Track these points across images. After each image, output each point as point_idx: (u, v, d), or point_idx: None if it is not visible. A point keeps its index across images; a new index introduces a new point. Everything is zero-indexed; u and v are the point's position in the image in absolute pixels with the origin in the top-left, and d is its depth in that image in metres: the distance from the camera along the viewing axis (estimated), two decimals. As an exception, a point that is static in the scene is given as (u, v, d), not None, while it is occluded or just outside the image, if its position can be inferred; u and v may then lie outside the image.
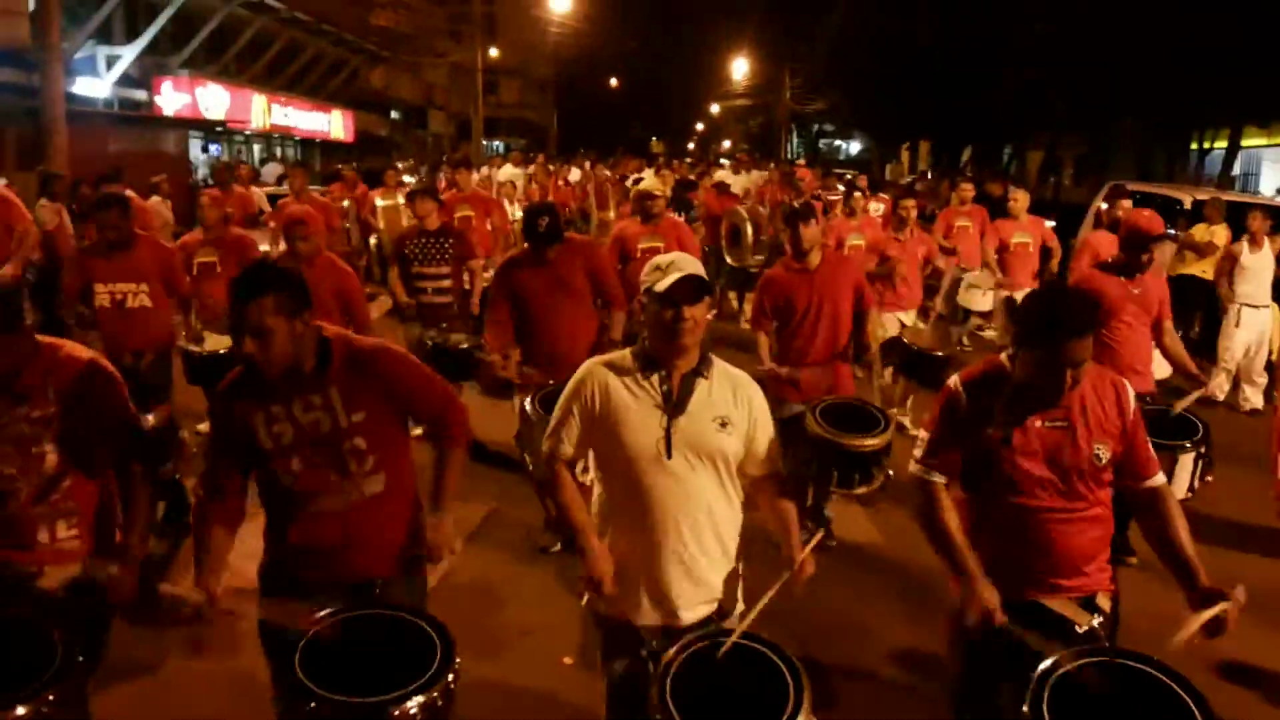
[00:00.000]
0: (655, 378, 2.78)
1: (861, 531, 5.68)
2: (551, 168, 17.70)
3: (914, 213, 7.95)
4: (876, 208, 11.57)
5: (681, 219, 8.95)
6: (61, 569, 2.96)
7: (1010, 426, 2.78)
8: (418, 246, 6.85)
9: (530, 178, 14.90)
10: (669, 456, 2.73)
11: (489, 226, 9.87)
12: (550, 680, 4.17)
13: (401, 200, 10.72)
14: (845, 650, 4.38)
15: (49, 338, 3.01)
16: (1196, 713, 2.32)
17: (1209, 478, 4.50)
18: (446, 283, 6.86)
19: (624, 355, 2.87)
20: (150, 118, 22.56)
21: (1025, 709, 2.36)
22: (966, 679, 3.00)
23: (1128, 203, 6.68)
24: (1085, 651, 2.54)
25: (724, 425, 2.78)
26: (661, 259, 2.79)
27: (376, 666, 2.48)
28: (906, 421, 7.40)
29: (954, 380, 2.95)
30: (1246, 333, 8.58)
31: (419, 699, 2.39)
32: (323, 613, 2.61)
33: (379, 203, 12.01)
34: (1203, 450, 4.41)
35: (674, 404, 2.75)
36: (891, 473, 4.67)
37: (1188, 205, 12.06)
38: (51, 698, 2.39)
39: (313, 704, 2.36)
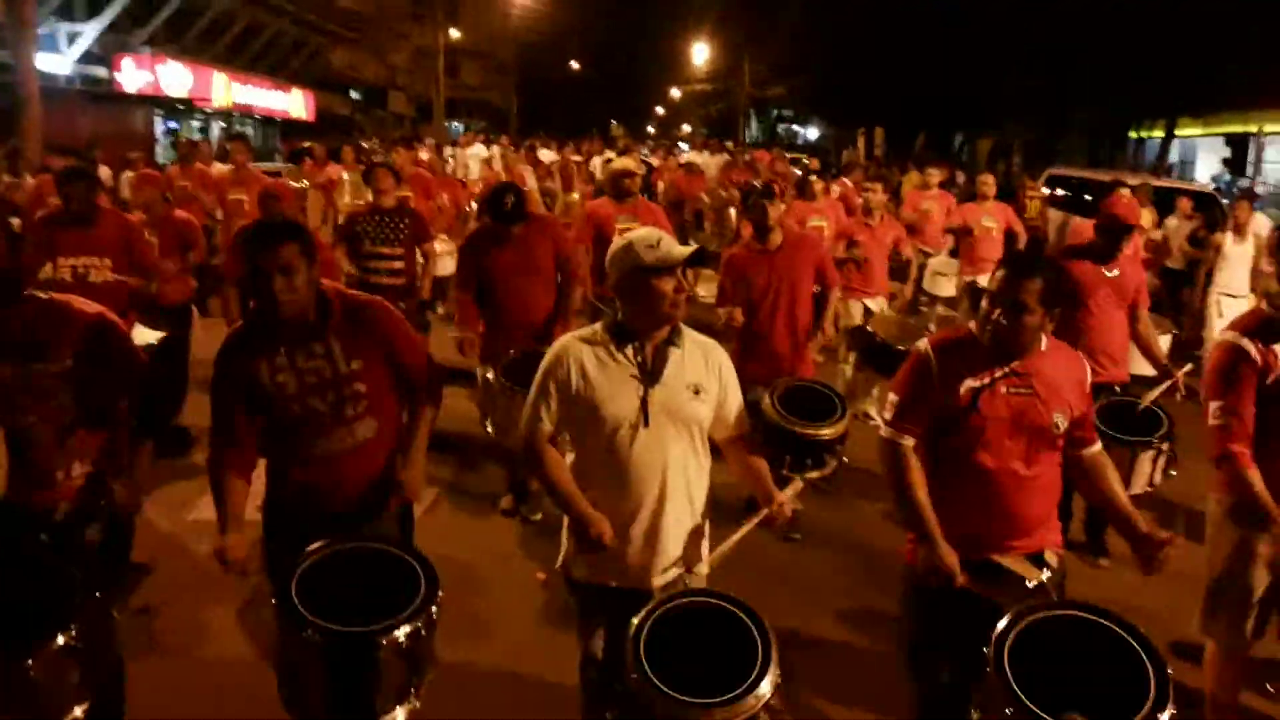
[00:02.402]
0: (630, 349, 2.85)
1: (809, 504, 5.60)
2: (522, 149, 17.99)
3: (878, 198, 7.82)
4: (836, 190, 11.59)
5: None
6: (75, 505, 3.17)
7: (978, 391, 2.86)
8: (371, 225, 6.59)
9: (504, 159, 15.13)
10: (646, 425, 2.82)
11: (437, 207, 9.86)
12: (519, 637, 4.35)
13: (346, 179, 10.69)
14: (796, 615, 4.41)
15: (59, 295, 3.19)
16: (1145, 658, 2.43)
17: (1173, 471, 4.47)
18: (399, 264, 6.62)
19: (595, 330, 2.93)
20: (116, 95, 22.44)
21: (989, 669, 2.44)
22: (920, 636, 3.11)
23: (1125, 191, 6.89)
24: (1039, 606, 2.61)
25: (697, 392, 2.88)
26: (647, 234, 2.86)
27: (366, 597, 2.62)
28: (871, 410, 7.30)
29: (923, 343, 3.03)
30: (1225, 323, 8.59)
31: (405, 628, 2.55)
32: (315, 545, 2.76)
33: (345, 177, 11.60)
34: (1164, 448, 4.37)
35: (649, 374, 2.84)
36: (846, 459, 4.77)
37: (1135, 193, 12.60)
38: (77, 628, 2.56)
39: (308, 631, 2.53)
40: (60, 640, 2.54)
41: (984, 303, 2.90)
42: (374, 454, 3.08)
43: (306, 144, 14.38)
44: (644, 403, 2.81)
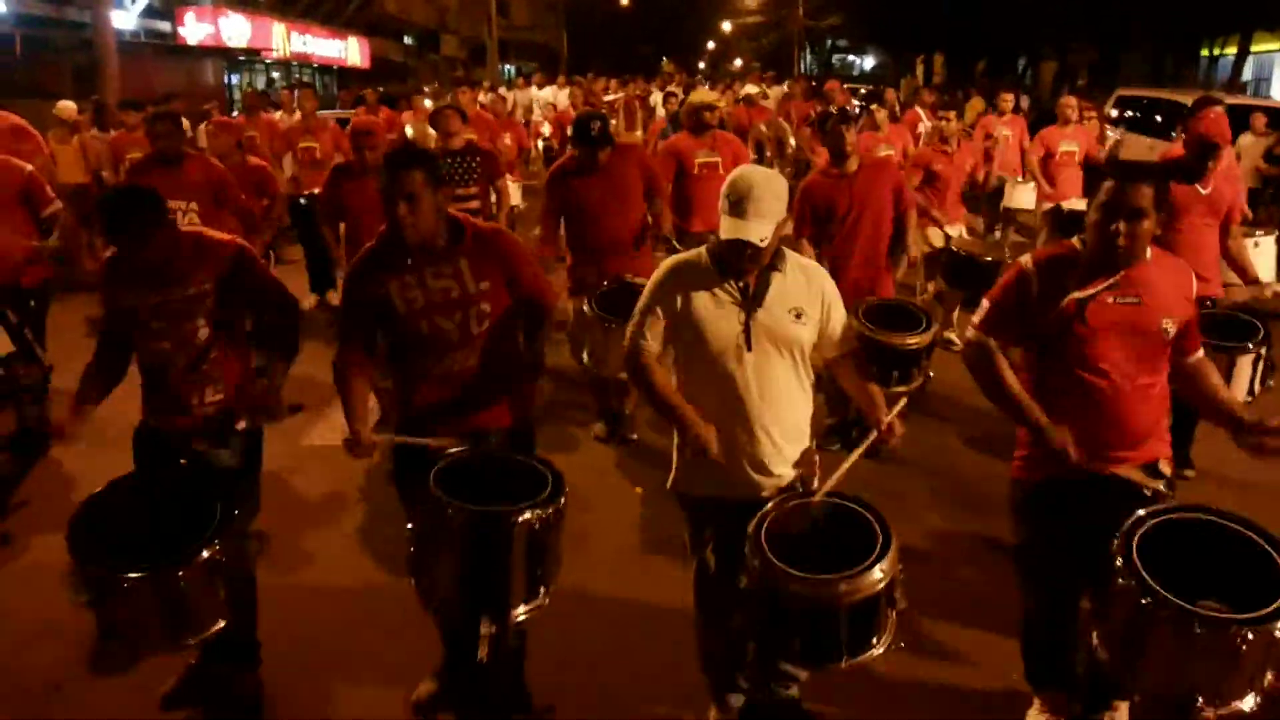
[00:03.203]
0: (731, 274, 2.88)
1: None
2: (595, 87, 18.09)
3: (953, 125, 7.69)
4: (926, 124, 10.96)
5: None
6: (211, 431, 3.34)
7: (1085, 302, 2.85)
8: (444, 166, 6.51)
9: (572, 97, 15.23)
10: (749, 349, 2.86)
11: (499, 149, 9.78)
12: (620, 554, 4.53)
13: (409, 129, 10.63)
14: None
15: (192, 227, 3.44)
16: (1273, 551, 2.45)
17: (1270, 382, 4.49)
18: (475, 204, 6.62)
19: (700, 254, 2.95)
20: (184, 48, 22.85)
21: (1118, 562, 2.47)
22: (1037, 541, 3.13)
23: (1217, 109, 6.68)
24: (1164, 509, 2.64)
25: (799, 316, 2.89)
26: (739, 187, 2.77)
27: (497, 498, 2.79)
28: (953, 336, 7.40)
29: (1026, 258, 3.01)
30: None
31: (536, 511, 2.73)
32: (453, 449, 2.98)
33: (409, 130, 11.56)
34: (1262, 352, 4.39)
35: (751, 299, 2.86)
36: (932, 374, 4.84)
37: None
38: (220, 544, 2.82)
39: (449, 511, 2.69)
40: (206, 554, 2.77)
41: (1094, 214, 2.84)
42: (498, 371, 3.20)
43: (365, 91, 14.56)
44: (746, 327, 2.85)
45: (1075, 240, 2.97)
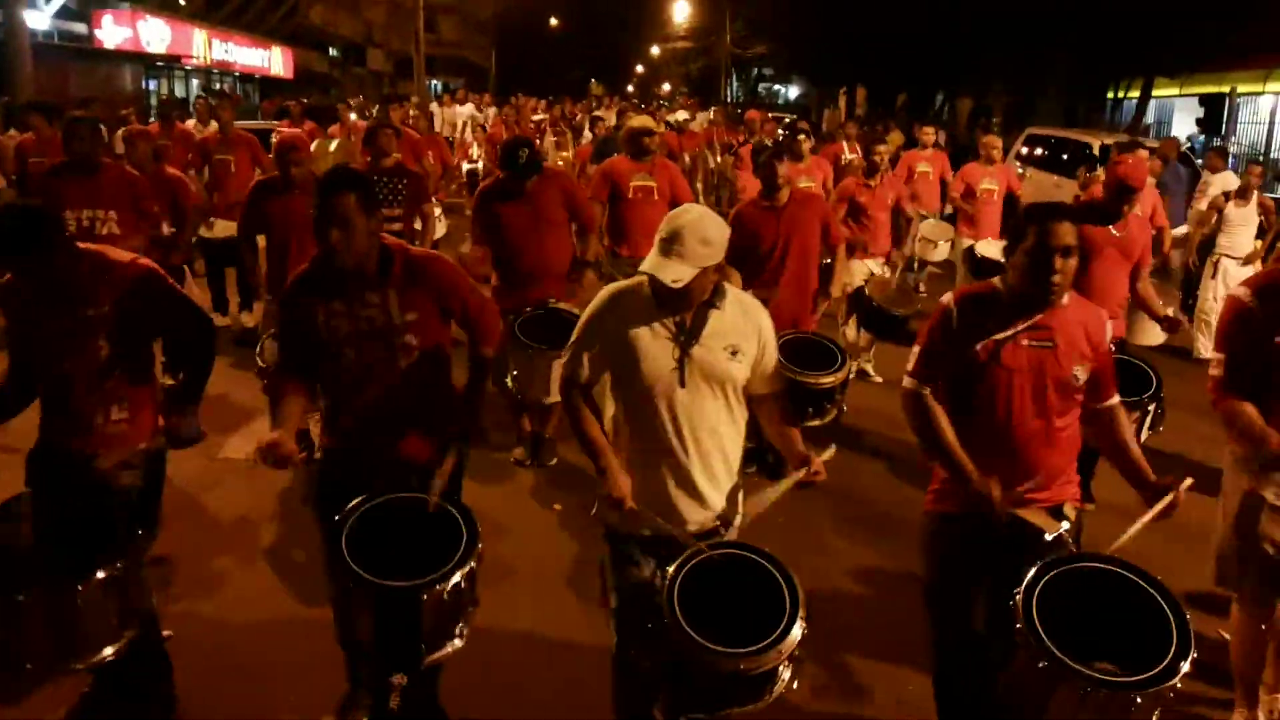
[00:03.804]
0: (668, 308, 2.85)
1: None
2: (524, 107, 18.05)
3: (886, 159, 7.78)
4: (848, 156, 10.95)
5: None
6: (114, 451, 3.27)
7: (1001, 343, 2.88)
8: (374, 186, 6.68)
9: (502, 116, 15.18)
10: (682, 385, 2.84)
11: (424, 167, 9.69)
12: (537, 579, 4.51)
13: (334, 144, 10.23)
14: (805, 566, 4.64)
15: (93, 245, 3.25)
16: (1166, 608, 2.54)
17: (1160, 428, 4.63)
18: (397, 225, 6.50)
19: (640, 283, 2.89)
20: (102, 52, 22.26)
21: (1018, 621, 2.54)
22: (940, 579, 3.16)
23: (1143, 153, 6.81)
24: (1062, 560, 2.70)
25: (735, 354, 2.87)
26: (672, 225, 2.75)
27: (414, 545, 2.78)
28: (869, 369, 7.57)
29: (948, 297, 3.04)
30: (1224, 287, 8.30)
31: (451, 580, 2.69)
32: (361, 499, 2.89)
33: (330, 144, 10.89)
34: (1150, 407, 4.48)
35: (688, 333, 2.84)
36: (845, 408, 4.93)
37: (1095, 150, 12.79)
38: (119, 565, 2.78)
39: (358, 584, 2.68)
40: (102, 574, 2.72)
41: (1020, 256, 2.86)
42: (423, 404, 3.15)
43: (289, 102, 14.31)
44: (680, 362, 2.83)
45: (996, 280, 3.00)
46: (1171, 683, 2.43)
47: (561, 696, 3.71)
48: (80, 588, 2.69)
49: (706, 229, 2.74)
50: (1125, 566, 2.66)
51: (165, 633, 3.52)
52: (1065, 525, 2.97)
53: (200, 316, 3.46)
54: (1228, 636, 3.74)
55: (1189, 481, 2.90)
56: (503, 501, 5.42)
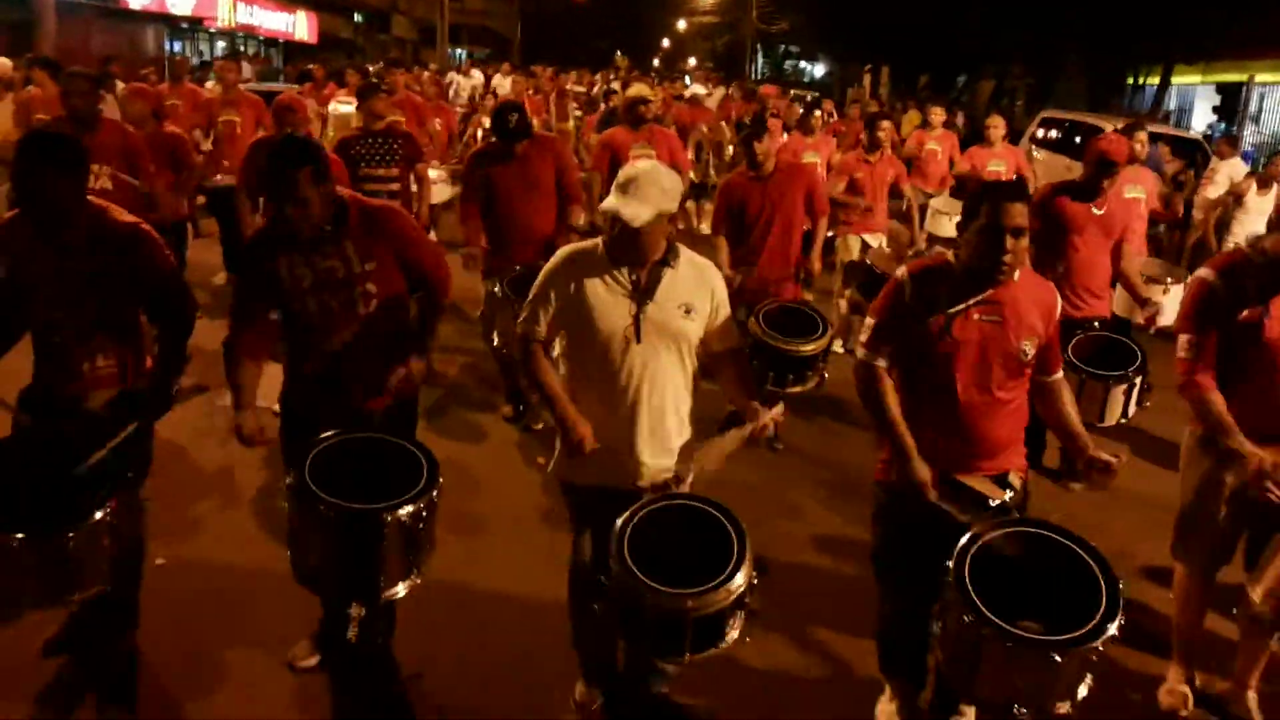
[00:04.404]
0: (625, 268, 2.97)
1: (797, 433, 5.98)
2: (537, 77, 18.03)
3: (888, 135, 7.82)
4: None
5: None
6: (101, 393, 3.33)
7: (952, 317, 2.96)
8: (365, 147, 6.68)
9: (515, 85, 15.12)
10: (638, 340, 2.96)
11: (429, 134, 9.83)
12: (513, 534, 4.64)
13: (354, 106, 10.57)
14: (772, 529, 4.60)
15: (98, 200, 3.30)
16: (1098, 572, 2.60)
17: (1146, 403, 4.68)
18: (395, 185, 6.70)
19: (595, 244, 3.03)
20: (125, 12, 22.37)
21: (949, 577, 2.62)
22: (886, 548, 3.26)
23: (1143, 135, 6.74)
24: (999, 523, 2.78)
25: (688, 311, 2.99)
26: (629, 171, 2.93)
27: (373, 482, 2.84)
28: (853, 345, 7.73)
29: (901, 270, 3.12)
30: None
31: (408, 508, 2.80)
32: (327, 434, 2.99)
33: (337, 107, 11.13)
34: (1137, 380, 4.57)
35: (642, 292, 2.96)
36: (826, 375, 5.05)
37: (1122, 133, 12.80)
38: (114, 504, 2.82)
39: (321, 508, 2.75)
40: (100, 514, 2.77)
41: (973, 234, 2.94)
42: (383, 351, 3.26)
43: (311, 66, 14.36)
44: (636, 319, 2.94)
45: (949, 254, 3.08)
46: (1093, 644, 2.50)
47: (527, 646, 3.81)
48: (72, 534, 2.74)
49: (661, 177, 2.91)
50: (1061, 533, 2.73)
51: (158, 560, 3.65)
52: (1009, 494, 3.06)
53: (184, 292, 3.48)
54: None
55: (1123, 455, 2.97)
56: (484, 458, 5.55)
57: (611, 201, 2.89)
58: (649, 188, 2.86)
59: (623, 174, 2.92)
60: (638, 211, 2.85)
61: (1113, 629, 2.51)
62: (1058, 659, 2.51)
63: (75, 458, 2.98)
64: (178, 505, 4.67)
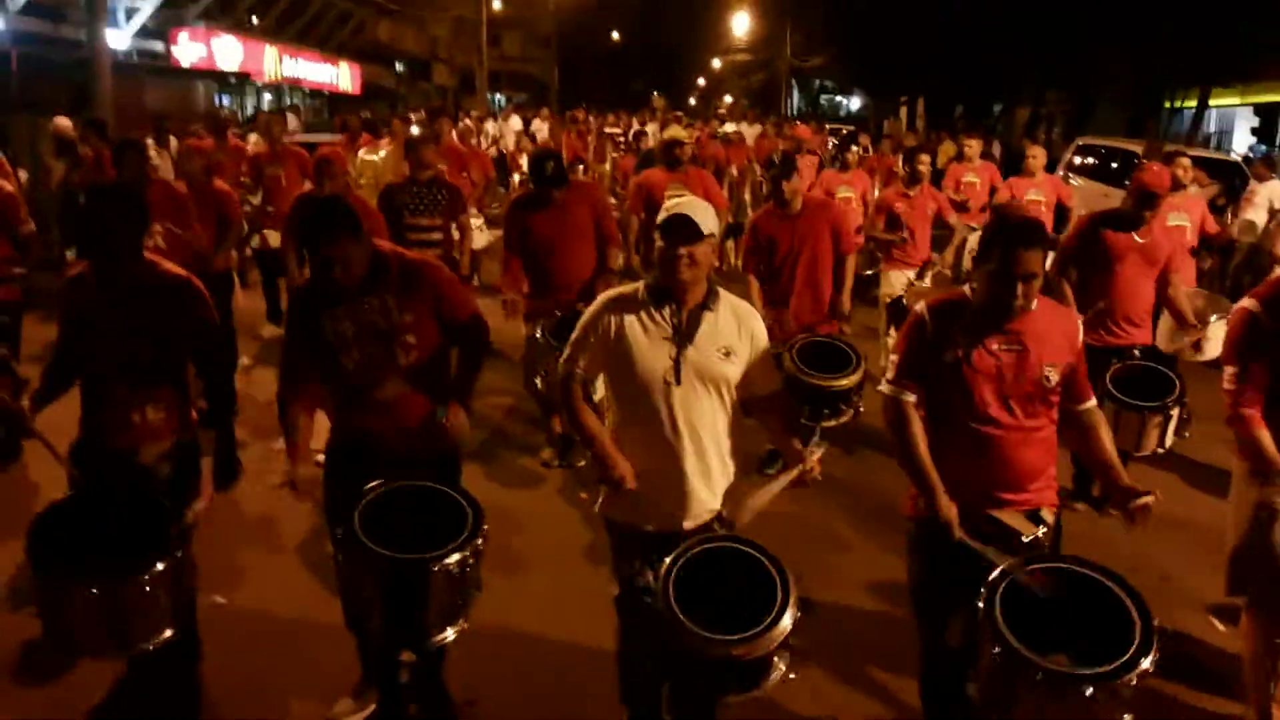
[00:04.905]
0: (666, 310, 2.99)
1: (837, 466, 5.77)
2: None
3: (927, 168, 7.74)
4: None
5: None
6: (152, 444, 3.42)
7: (970, 348, 2.96)
8: (409, 196, 6.73)
9: (567, 131, 15.36)
10: (678, 383, 2.98)
11: (470, 181, 9.93)
12: (556, 572, 4.70)
13: (381, 154, 10.52)
14: (810, 563, 4.51)
15: (152, 255, 3.46)
16: (1133, 609, 2.56)
17: (1186, 434, 4.67)
18: (437, 235, 6.76)
19: (637, 288, 3.07)
20: (176, 69, 23.15)
21: (981, 611, 2.61)
22: (922, 581, 3.22)
23: (1185, 161, 6.81)
24: (1033, 559, 2.77)
25: (728, 355, 3.01)
26: (672, 200, 3.03)
27: (419, 531, 2.90)
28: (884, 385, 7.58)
29: (920, 305, 3.12)
30: None
31: (455, 556, 2.87)
32: (373, 484, 3.06)
33: (363, 155, 10.91)
34: (1174, 412, 4.55)
35: (683, 335, 2.98)
36: (862, 408, 5.04)
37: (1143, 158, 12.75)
38: (179, 553, 2.98)
39: (369, 558, 2.83)
40: (160, 565, 2.88)
41: (983, 276, 2.94)
42: (425, 401, 3.32)
43: (349, 116, 14.69)
44: (676, 362, 2.96)
45: (966, 288, 3.09)
46: (1126, 678, 2.48)
47: (571, 681, 3.86)
48: (140, 578, 2.86)
49: (706, 207, 3.00)
50: (1093, 568, 2.72)
51: (218, 599, 3.74)
52: (1042, 530, 3.04)
53: (225, 345, 3.63)
54: (1220, 627, 3.77)
55: (1157, 494, 2.91)
56: (527, 500, 5.63)
57: (670, 207, 2.95)
58: (698, 210, 2.95)
59: (667, 205, 3.01)
60: (698, 215, 2.92)
61: (1146, 663, 2.49)
62: (1090, 693, 2.48)
63: (138, 507, 3.11)
64: (227, 551, 4.74)
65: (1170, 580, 4.51)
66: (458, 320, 3.40)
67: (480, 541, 2.96)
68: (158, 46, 23.79)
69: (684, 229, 2.90)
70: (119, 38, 21.38)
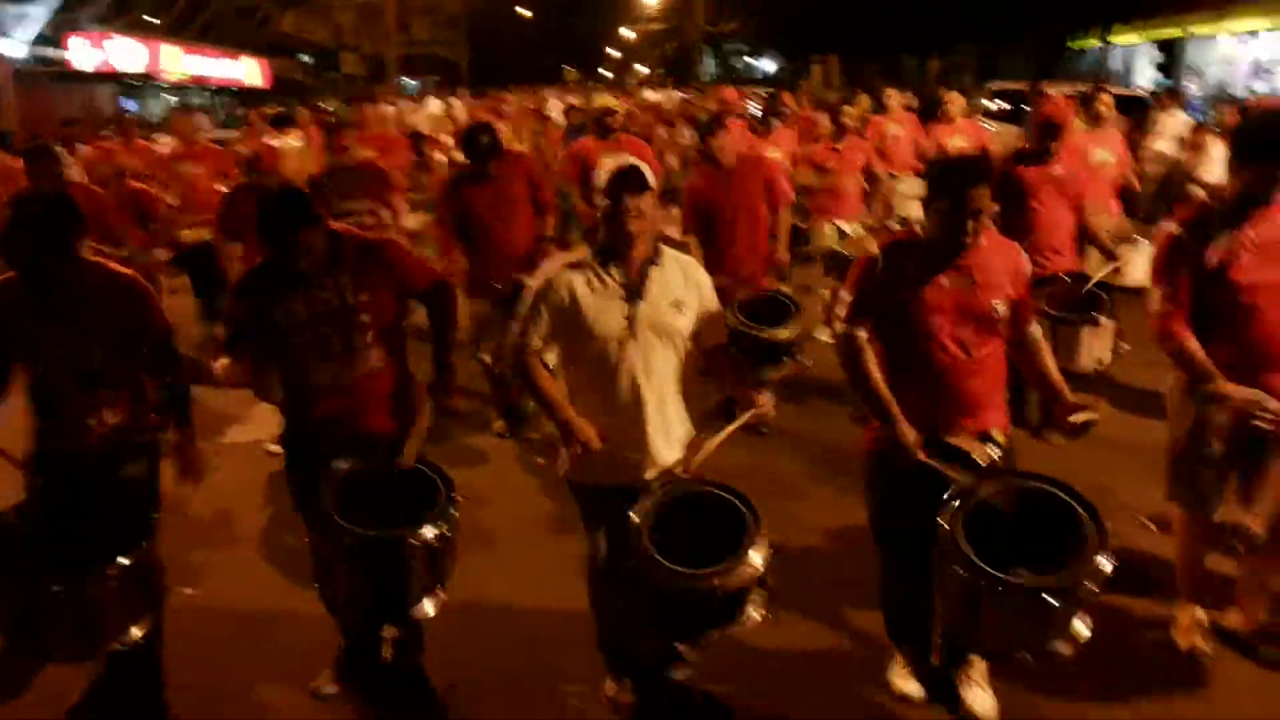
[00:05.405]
0: (614, 269, 3.06)
1: (788, 418, 5.88)
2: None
3: (853, 121, 7.91)
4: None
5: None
6: (109, 447, 3.31)
7: (922, 284, 3.08)
8: (337, 180, 6.57)
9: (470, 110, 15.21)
10: (634, 339, 3.06)
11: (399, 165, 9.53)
12: (525, 543, 4.73)
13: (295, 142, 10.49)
14: (778, 511, 4.57)
15: (95, 256, 3.33)
16: (1088, 519, 2.67)
17: (1122, 349, 4.78)
18: (368, 219, 6.46)
19: (583, 252, 3.14)
20: (77, 75, 22.39)
21: (943, 532, 2.71)
22: (883, 509, 3.35)
23: (1053, 94, 7.04)
24: (987, 478, 2.90)
25: (679, 307, 3.10)
26: (610, 159, 3.09)
27: (391, 507, 2.93)
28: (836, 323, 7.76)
29: (874, 246, 3.24)
30: None
31: (431, 529, 2.89)
32: (342, 464, 3.06)
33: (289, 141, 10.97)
34: (1106, 323, 4.69)
35: (634, 291, 3.06)
36: (807, 362, 5.20)
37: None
38: (141, 550, 2.92)
39: (346, 538, 2.85)
40: (127, 561, 2.83)
41: (934, 213, 3.06)
42: (383, 381, 3.31)
43: (279, 110, 14.32)
44: (630, 319, 3.04)
45: (916, 226, 3.21)
46: (1083, 581, 2.60)
47: (550, 649, 3.88)
48: (108, 576, 2.82)
49: (643, 164, 3.05)
50: (1046, 481, 2.83)
51: (187, 590, 3.70)
52: (995, 451, 3.17)
53: (171, 344, 3.48)
54: (1154, 529, 4.01)
55: (1100, 406, 3.07)
56: (485, 473, 5.64)
57: (609, 165, 3.01)
58: (635, 161, 3.02)
59: (604, 163, 3.06)
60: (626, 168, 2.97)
61: (1103, 562, 2.60)
62: (1052, 601, 2.60)
63: (101, 507, 3.08)
64: (184, 548, 4.61)
65: (1109, 493, 4.64)
66: (420, 289, 3.40)
67: (454, 511, 2.99)
68: (56, 53, 22.92)
69: (632, 179, 2.97)
70: (15, 47, 20.64)
